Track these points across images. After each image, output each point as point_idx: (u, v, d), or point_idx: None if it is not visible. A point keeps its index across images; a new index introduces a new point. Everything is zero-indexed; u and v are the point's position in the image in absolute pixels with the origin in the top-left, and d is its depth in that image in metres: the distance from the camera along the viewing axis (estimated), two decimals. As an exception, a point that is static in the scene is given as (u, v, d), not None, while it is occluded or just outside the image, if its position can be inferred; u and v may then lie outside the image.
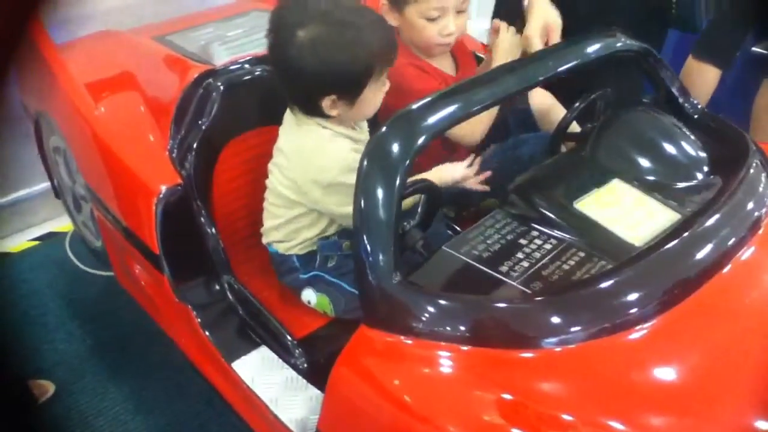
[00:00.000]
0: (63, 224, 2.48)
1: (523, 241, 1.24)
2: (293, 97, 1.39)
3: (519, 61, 1.43)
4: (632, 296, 1.08)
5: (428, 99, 1.21)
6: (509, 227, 1.28)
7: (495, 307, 1.10)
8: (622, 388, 1.02)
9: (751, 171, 1.29)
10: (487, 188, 1.49)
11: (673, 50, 2.29)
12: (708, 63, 2.31)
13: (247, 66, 1.70)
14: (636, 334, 1.06)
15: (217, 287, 1.59)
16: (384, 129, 1.16)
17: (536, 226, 1.27)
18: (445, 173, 1.46)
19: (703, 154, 1.39)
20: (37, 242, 2.45)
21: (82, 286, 2.24)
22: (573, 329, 1.05)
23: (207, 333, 1.53)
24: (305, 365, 1.42)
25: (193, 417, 1.78)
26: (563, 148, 1.57)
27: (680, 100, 1.49)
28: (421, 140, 1.15)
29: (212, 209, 1.63)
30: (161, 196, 1.54)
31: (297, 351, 1.45)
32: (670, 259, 1.14)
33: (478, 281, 1.17)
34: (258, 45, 1.89)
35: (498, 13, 2.10)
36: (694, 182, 1.35)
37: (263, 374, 1.44)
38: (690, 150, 1.39)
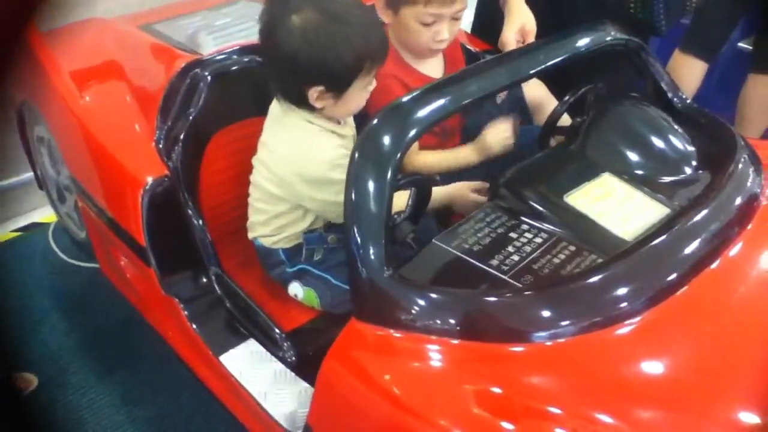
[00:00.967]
0: (46, 215, 2.45)
1: (513, 235, 1.24)
2: (280, 84, 1.37)
3: (510, 54, 1.43)
4: (622, 291, 1.08)
5: (419, 91, 1.20)
6: (499, 221, 1.28)
7: (485, 300, 1.10)
8: (611, 382, 1.03)
9: (740, 166, 1.30)
10: (484, 199, 1.45)
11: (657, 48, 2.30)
12: (694, 56, 2.34)
13: (234, 56, 1.68)
14: (625, 328, 1.06)
15: (205, 280, 1.58)
16: (375, 121, 1.16)
17: (526, 219, 1.27)
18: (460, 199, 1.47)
19: (691, 149, 1.39)
20: (19, 233, 2.42)
21: (65, 278, 2.21)
22: (563, 323, 1.05)
23: (194, 326, 1.52)
24: (294, 358, 1.42)
25: (179, 409, 1.77)
26: (552, 142, 1.57)
27: (669, 94, 1.49)
28: (412, 133, 1.15)
29: (199, 201, 1.62)
30: (147, 187, 1.53)
31: (286, 344, 1.44)
32: (660, 253, 1.14)
33: (469, 275, 1.17)
34: (246, 34, 1.87)
35: (480, 16, 2.11)
36: (683, 176, 1.36)
37: (252, 368, 1.43)
38: (679, 144, 1.40)
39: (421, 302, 1.09)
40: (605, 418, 0.97)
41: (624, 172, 1.35)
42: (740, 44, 2.50)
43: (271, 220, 1.47)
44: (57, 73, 1.78)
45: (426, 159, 1.58)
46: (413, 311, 1.08)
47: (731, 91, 2.40)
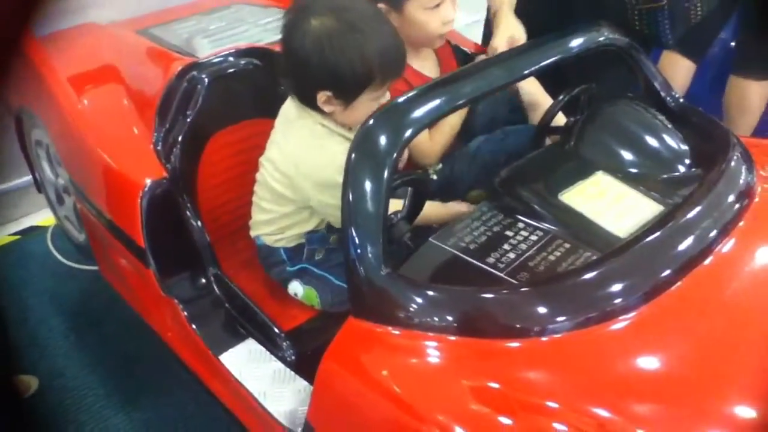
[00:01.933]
0: (44, 218, 2.45)
1: (509, 233, 1.25)
2: (294, 84, 1.38)
3: (504, 54, 1.45)
4: (616, 287, 1.10)
5: (415, 92, 1.22)
6: (495, 219, 1.29)
7: (482, 297, 1.11)
8: (607, 377, 1.04)
9: (732, 164, 1.31)
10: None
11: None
12: (683, 56, 2.37)
13: (231, 58, 1.70)
14: (620, 324, 1.07)
15: (204, 281, 1.59)
16: (371, 121, 1.17)
17: (522, 218, 1.28)
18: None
19: (685, 147, 1.41)
20: (18, 237, 2.43)
21: (63, 281, 2.22)
22: (558, 319, 1.07)
23: (194, 326, 1.53)
24: (293, 357, 1.43)
25: (177, 411, 1.78)
26: (547, 141, 1.59)
27: (663, 93, 1.51)
28: (408, 132, 1.16)
29: (198, 202, 1.63)
30: (146, 189, 1.54)
31: (285, 343, 1.45)
32: (654, 250, 1.15)
33: (465, 273, 1.18)
34: (240, 38, 1.89)
35: (487, 36, 2.13)
36: (676, 174, 1.37)
37: (251, 367, 1.45)
38: (672, 143, 1.41)
39: (419, 299, 1.10)
40: (601, 412, 0.98)
41: (618, 170, 1.37)
42: (732, 44, 2.53)
43: (276, 219, 1.48)
44: (55, 77, 1.79)
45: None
46: (411, 308, 1.09)
47: (723, 90, 2.42)
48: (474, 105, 1.62)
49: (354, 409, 1.13)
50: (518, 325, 1.07)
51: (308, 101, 1.36)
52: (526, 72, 1.35)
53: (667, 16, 1.67)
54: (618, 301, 1.08)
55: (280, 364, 1.44)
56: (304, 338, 1.47)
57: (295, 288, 1.52)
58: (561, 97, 1.53)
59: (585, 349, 1.06)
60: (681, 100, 1.53)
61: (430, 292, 1.11)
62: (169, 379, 1.83)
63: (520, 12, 1.68)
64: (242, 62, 1.69)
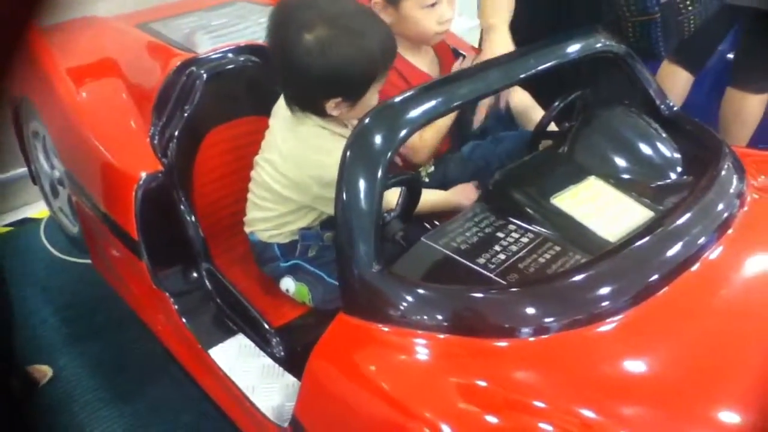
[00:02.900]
0: (37, 210, 2.45)
1: (500, 235, 1.26)
2: (295, 95, 1.38)
3: (501, 58, 1.46)
4: (604, 290, 1.11)
5: (412, 92, 1.23)
6: (487, 221, 1.30)
7: (471, 296, 1.12)
8: (593, 378, 1.05)
9: (723, 173, 1.32)
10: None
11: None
12: (681, 67, 2.40)
13: (230, 55, 1.70)
14: (607, 326, 1.08)
15: (195, 275, 1.60)
16: (367, 121, 1.18)
17: (514, 220, 1.29)
18: (463, 198, 1.48)
19: (677, 155, 1.42)
20: (10, 228, 2.43)
21: (56, 273, 2.22)
22: (547, 320, 1.08)
23: (184, 320, 1.54)
24: (282, 353, 1.43)
25: (168, 404, 1.78)
26: (541, 146, 1.59)
27: (657, 101, 1.52)
28: (403, 132, 1.17)
29: (193, 197, 1.63)
30: (141, 182, 1.54)
31: (274, 339, 1.46)
32: (643, 255, 1.16)
33: (456, 272, 1.19)
34: (242, 35, 1.90)
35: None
36: (667, 181, 1.38)
37: (240, 362, 1.45)
38: (665, 150, 1.42)
39: (409, 297, 1.11)
40: (587, 413, 0.99)
41: (610, 176, 1.38)
42: (729, 56, 2.55)
43: (275, 217, 1.49)
44: (54, 69, 1.79)
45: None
46: (401, 306, 1.10)
47: (720, 101, 2.44)
48: (469, 108, 1.63)
49: (341, 404, 1.13)
50: (507, 325, 1.08)
51: (312, 109, 1.38)
52: (522, 76, 1.36)
53: (660, 29, 1.69)
54: (606, 303, 1.09)
55: (269, 360, 1.45)
56: (294, 335, 1.48)
57: (287, 284, 1.53)
58: (557, 103, 1.54)
59: (572, 350, 1.07)
60: (675, 108, 1.55)
61: (421, 290, 1.12)
62: (159, 373, 1.83)
63: (517, 24, 1.67)
64: (241, 59, 1.70)
